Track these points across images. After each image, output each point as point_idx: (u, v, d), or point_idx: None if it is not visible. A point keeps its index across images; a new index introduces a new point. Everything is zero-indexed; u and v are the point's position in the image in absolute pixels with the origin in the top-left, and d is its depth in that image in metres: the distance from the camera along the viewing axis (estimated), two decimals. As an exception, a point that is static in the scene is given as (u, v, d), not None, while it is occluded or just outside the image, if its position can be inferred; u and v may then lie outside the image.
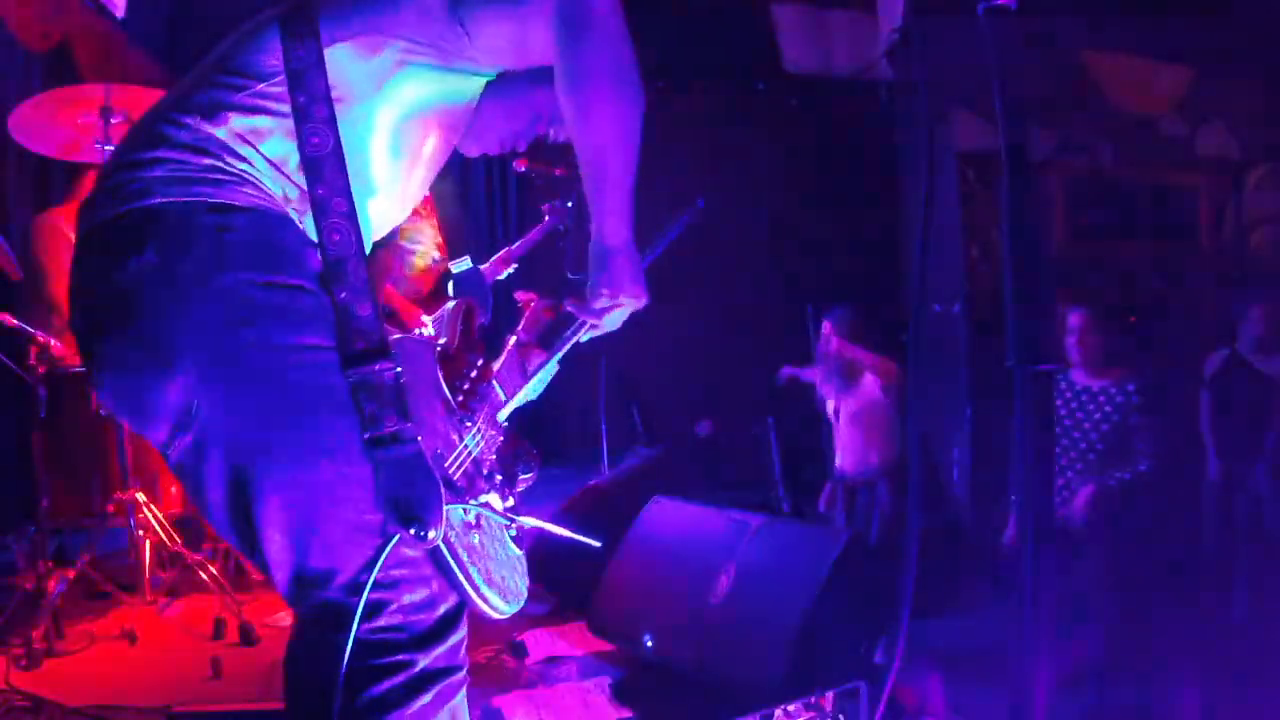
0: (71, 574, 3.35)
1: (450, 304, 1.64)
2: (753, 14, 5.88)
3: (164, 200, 1.29)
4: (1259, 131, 6.04)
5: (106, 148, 3.48)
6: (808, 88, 6.01)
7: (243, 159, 1.34)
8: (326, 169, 1.33)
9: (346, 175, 1.34)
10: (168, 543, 3.55)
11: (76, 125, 3.53)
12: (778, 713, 2.59)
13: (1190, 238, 6.03)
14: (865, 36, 6.03)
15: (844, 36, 6.06)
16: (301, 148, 1.33)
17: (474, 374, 1.60)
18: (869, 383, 4.11)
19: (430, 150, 1.52)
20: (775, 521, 3.30)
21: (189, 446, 1.31)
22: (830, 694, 2.63)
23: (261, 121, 1.35)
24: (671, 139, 5.75)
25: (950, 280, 5.66)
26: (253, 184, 1.34)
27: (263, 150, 1.35)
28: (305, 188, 1.35)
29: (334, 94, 1.36)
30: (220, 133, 1.34)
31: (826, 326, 4.18)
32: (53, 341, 3.45)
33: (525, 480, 1.73)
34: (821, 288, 5.97)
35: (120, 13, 4.37)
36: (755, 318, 6.06)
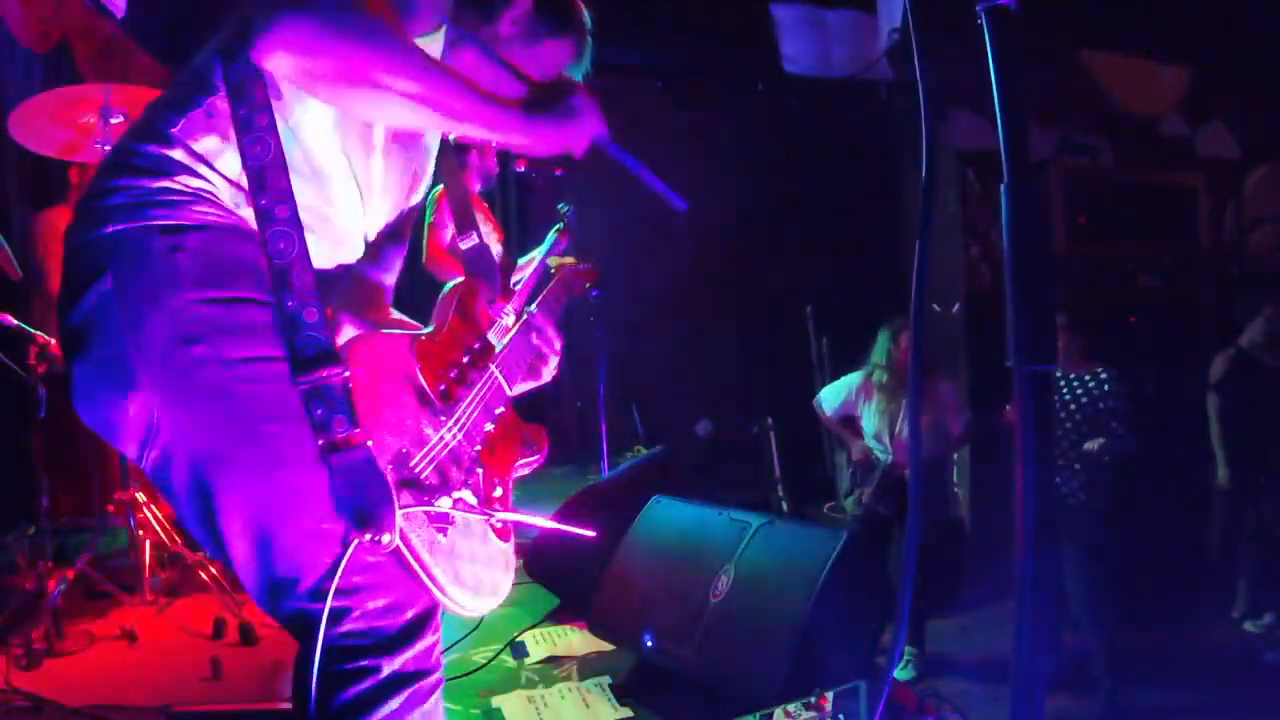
0: (71, 574, 3.35)
1: (446, 286, 1.62)
2: (753, 14, 5.88)
3: (118, 227, 1.33)
4: (1259, 131, 6.04)
5: (106, 148, 3.48)
6: (808, 88, 6.00)
7: (199, 177, 1.36)
8: (268, 177, 1.35)
9: (289, 181, 1.36)
10: (168, 543, 3.56)
11: (76, 125, 3.53)
12: (778, 713, 2.59)
13: (1190, 238, 6.04)
14: (865, 36, 6.03)
15: (844, 36, 6.06)
16: (244, 159, 1.35)
17: (466, 360, 1.58)
18: (945, 389, 4.14)
19: (383, 136, 1.52)
20: (775, 521, 3.30)
21: (157, 461, 1.35)
22: (830, 694, 2.63)
23: (212, 141, 1.37)
24: (672, 139, 5.77)
25: (950, 280, 5.67)
26: (209, 201, 1.36)
27: (218, 168, 1.37)
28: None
29: (277, 98, 1.37)
30: (176, 154, 1.36)
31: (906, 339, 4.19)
32: (53, 341, 3.45)
33: (527, 464, 1.69)
34: (821, 288, 5.98)
35: (120, 13, 4.37)
36: (755, 318, 6.07)
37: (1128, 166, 6.02)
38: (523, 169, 4.11)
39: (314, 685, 1.28)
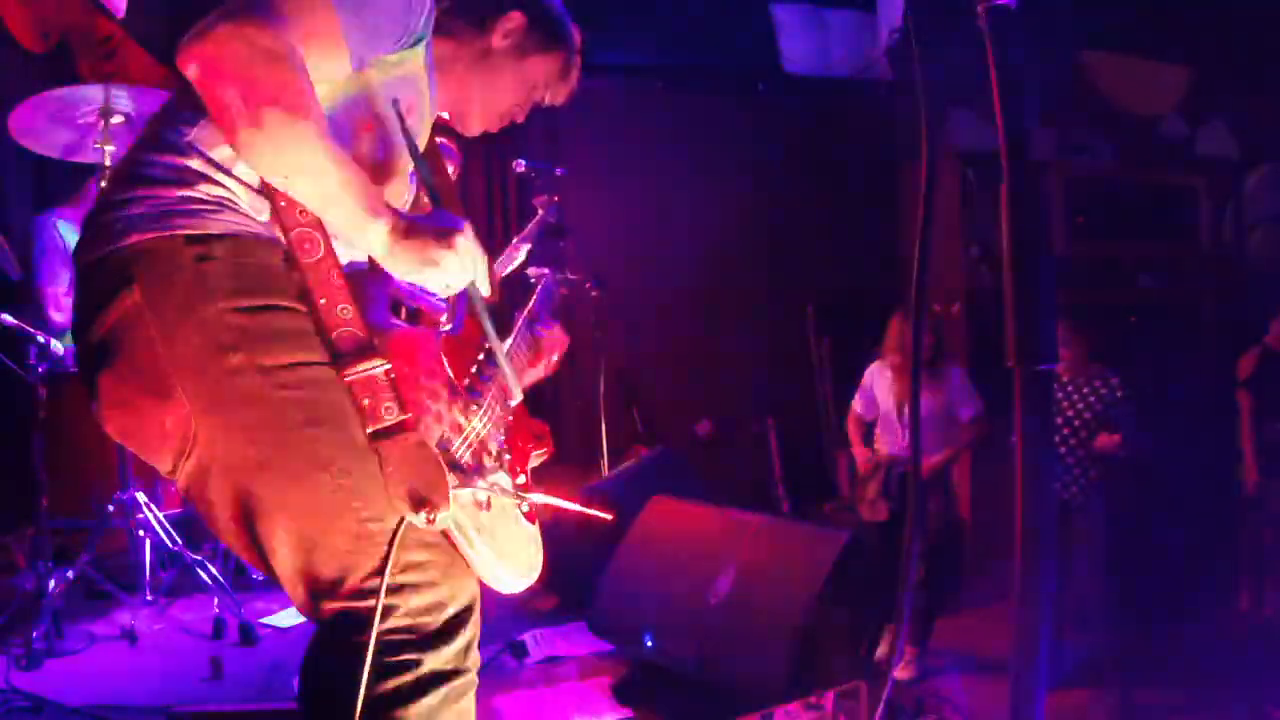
0: (71, 574, 3.35)
1: None
2: (753, 14, 5.88)
3: (143, 237, 1.33)
4: (1259, 131, 6.04)
5: (106, 148, 3.48)
6: (808, 88, 6.00)
7: (218, 184, 1.37)
8: None
9: None
10: (168, 543, 3.55)
11: (76, 125, 3.53)
12: (778, 713, 2.59)
13: (1190, 238, 6.03)
14: (865, 36, 6.03)
15: (844, 36, 6.06)
16: None
17: (481, 356, 1.63)
18: (956, 375, 4.13)
19: (390, 120, 1.50)
20: (775, 521, 3.30)
21: (193, 472, 1.36)
22: (830, 694, 2.63)
23: (227, 150, 1.36)
24: (672, 139, 5.78)
25: (950, 280, 5.66)
26: (231, 208, 1.37)
27: (236, 174, 1.38)
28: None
29: None
30: (193, 163, 1.37)
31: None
32: (52, 341, 3.45)
33: (539, 456, 1.77)
34: (821, 288, 5.97)
35: (120, 13, 4.37)
36: (755, 318, 6.06)
37: (1128, 166, 6.02)
38: (522, 169, 4.10)
39: (363, 680, 1.30)
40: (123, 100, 3.48)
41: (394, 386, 1.33)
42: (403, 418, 1.33)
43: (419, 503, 1.32)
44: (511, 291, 1.88)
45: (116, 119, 3.50)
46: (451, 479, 1.35)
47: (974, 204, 5.63)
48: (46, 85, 3.56)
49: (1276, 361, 4.47)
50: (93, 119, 3.50)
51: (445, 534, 1.39)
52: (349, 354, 1.33)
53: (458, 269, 1.41)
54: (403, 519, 1.33)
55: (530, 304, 1.97)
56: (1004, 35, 1.15)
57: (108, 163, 3.48)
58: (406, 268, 1.38)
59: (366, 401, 1.32)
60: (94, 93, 3.46)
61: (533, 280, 1.84)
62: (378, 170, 1.49)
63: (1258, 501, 4.42)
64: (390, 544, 1.32)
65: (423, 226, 1.39)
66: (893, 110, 6.01)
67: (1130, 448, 3.79)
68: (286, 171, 1.30)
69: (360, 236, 1.35)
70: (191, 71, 1.26)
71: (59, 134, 3.57)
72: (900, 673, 3.53)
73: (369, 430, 1.33)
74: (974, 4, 1.15)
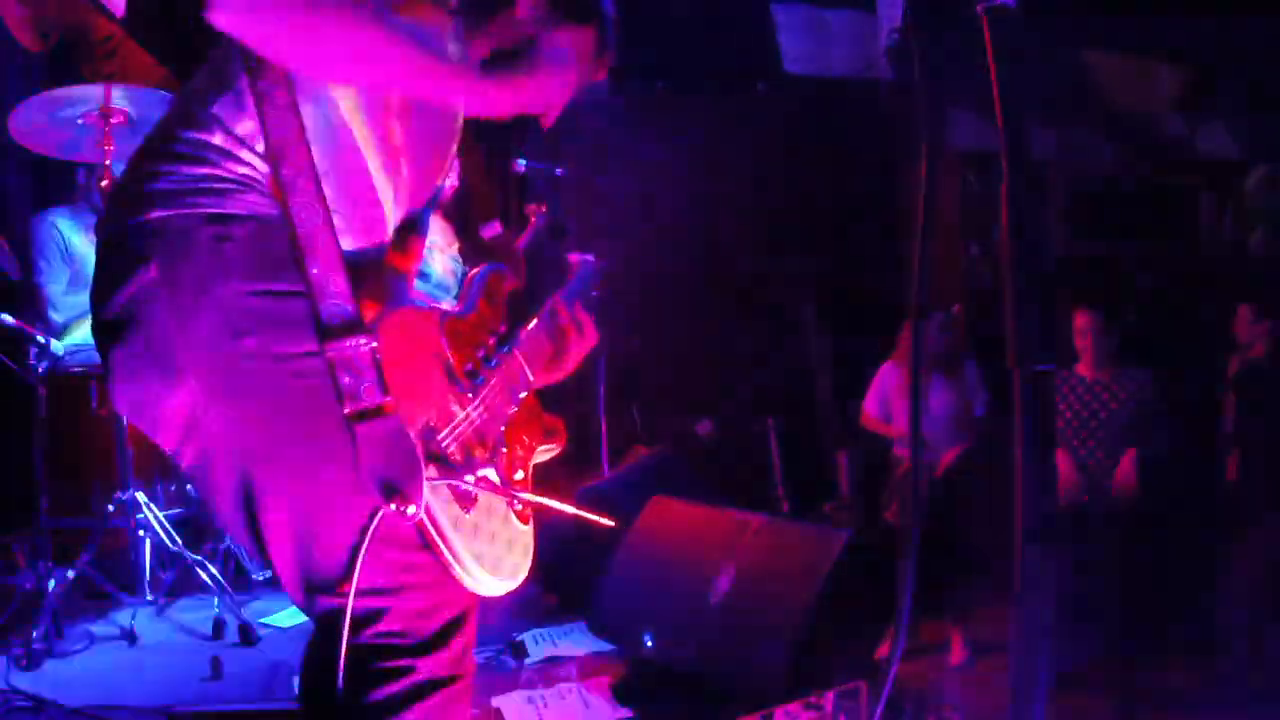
0: (71, 574, 3.36)
1: (476, 270, 1.61)
2: (752, 14, 5.88)
3: (164, 214, 1.31)
4: (1259, 131, 6.04)
5: (106, 148, 3.48)
6: (808, 88, 6.00)
7: (242, 163, 1.35)
8: (290, 150, 1.32)
9: (310, 155, 1.33)
10: (168, 543, 3.55)
11: (76, 125, 3.53)
12: (778, 713, 2.59)
13: (1190, 238, 6.03)
14: (865, 36, 6.03)
15: (844, 36, 6.06)
16: (265, 133, 1.32)
17: (491, 341, 1.58)
18: (971, 371, 4.12)
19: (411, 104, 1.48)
20: (775, 521, 3.30)
21: (198, 454, 1.34)
22: (830, 694, 2.63)
23: (249, 124, 1.35)
24: (672, 139, 5.78)
25: (950, 280, 5.67)
26: (254, 190, 1.35)
27: (259, 151, 1.35)
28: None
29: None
30: (216, 139, 1.35)
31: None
32: (52, 341, 3.45)
33: (548, 452, 1.70)
34: (821, 287, 5.98)
35: (120, 12, 4.37)
36: (755, 318, 6.06)
37: (1128, 166, 6.02)
38: (522, 170, 4.10)
39: (340, 683, 1.27)
40: (123, 100, 3.48)
41: (377, 366, 1.28)
42: (382, 400, 1.27)
43: (390, 492, 1.26)
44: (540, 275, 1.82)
45: (116, 119, 3.50)
46: (429, 470, 1.29)
47: (974, 204, 5.64)
48: (46, 85, 3.56)
49: (1256, 361, 4.48)
50: (93, 119, 3.49)
51: (419, 528, 1.32)
52: (334, 328, 1.28)
53: (560, 78, 1.46)
54: (377, 512, 1.28)
55: (560, 291, 1.83)
56: (1004, 35, 1.15)
57: (108, 162, 3.48)
58: (504, 97, 1.43)
59: (346, 380, 1.27)
60: (94, 93, 3.46)
61: (574, 267, 1.78)
62: (400, 156, 1.46)
63: (1240, 495, 4.42)
64: (361, 539, 1.28)
65: (501, 52, 1.45)
66: (893, 110, 6.01)
67: (1158, 448, 3.79)
68: (364, 62, 1.32)
69: (454, 94, 1.42)
70: (225, 19, 1.25)
71: (59, 134, 3.56)
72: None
73: (346, 411, 1.27)
74: (974, 4, 1.15)
